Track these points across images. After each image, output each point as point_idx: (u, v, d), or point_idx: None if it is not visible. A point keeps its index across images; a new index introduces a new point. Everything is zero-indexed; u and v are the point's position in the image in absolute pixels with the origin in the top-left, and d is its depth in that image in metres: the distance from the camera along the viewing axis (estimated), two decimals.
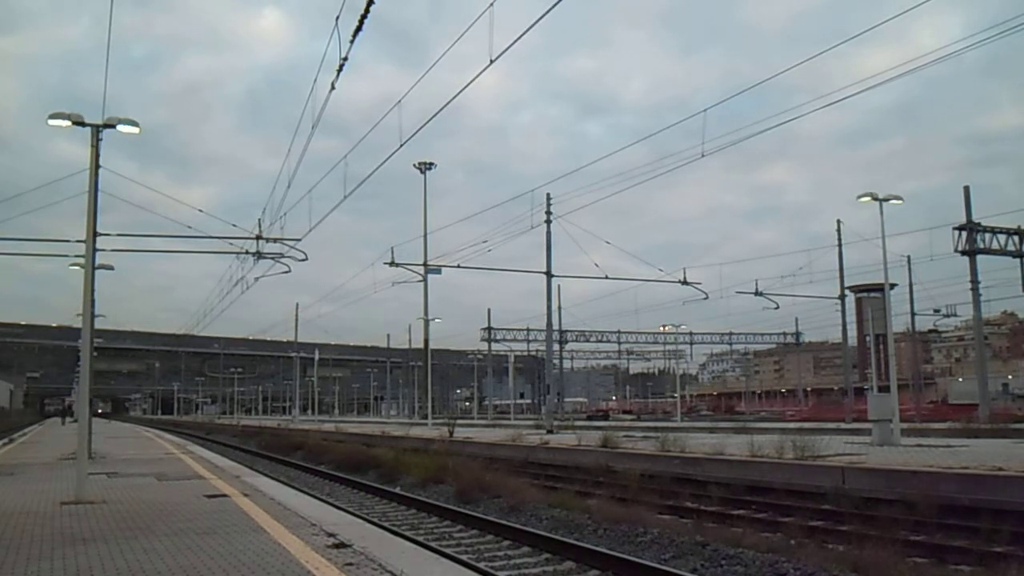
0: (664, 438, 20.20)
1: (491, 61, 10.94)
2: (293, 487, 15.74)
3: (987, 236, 36.31)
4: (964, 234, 35.63)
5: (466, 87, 12.05)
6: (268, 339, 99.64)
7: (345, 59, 10.64)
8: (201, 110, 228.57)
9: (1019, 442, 20.42)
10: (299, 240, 18.90)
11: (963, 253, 35.82)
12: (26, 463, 19.16)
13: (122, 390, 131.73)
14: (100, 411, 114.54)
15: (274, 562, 6.65)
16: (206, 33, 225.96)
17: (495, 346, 72.37)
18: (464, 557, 9.64)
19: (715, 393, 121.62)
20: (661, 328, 67.34)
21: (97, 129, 12.27)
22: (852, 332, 53.34)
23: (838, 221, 41.97)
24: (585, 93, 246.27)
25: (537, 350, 78.76)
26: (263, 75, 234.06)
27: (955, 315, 53.44)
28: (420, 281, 43.67)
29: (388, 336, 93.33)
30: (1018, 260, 37.41)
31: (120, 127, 12.41)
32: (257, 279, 26.80)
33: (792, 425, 33.60)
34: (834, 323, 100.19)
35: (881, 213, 22.27)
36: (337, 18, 9.90)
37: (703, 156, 21.21)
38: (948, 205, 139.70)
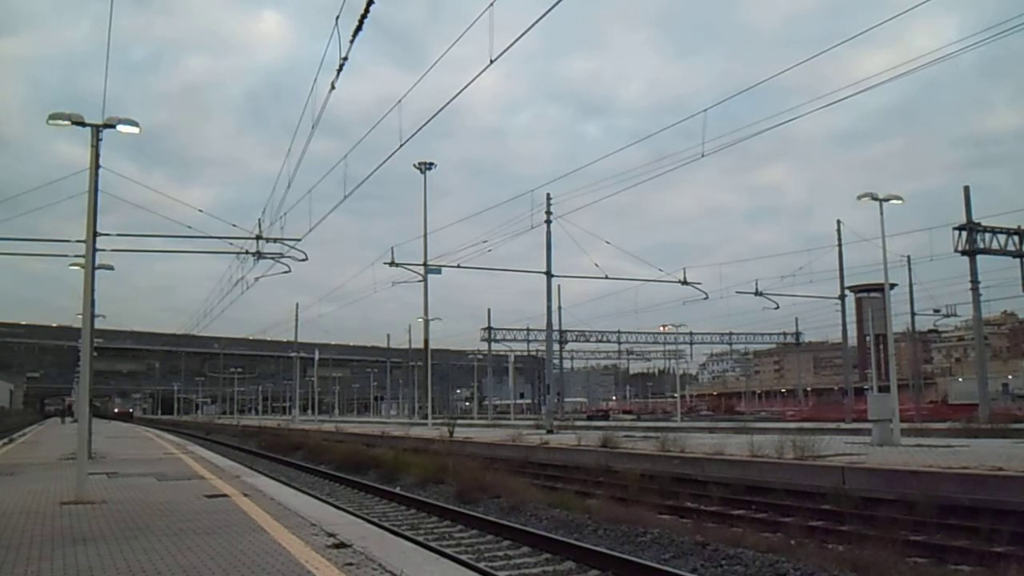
0: (664, 438, 20.20)
1: (491, 61, 10.97)
2: (293, 487, 15.73)
3: (987, 236, 36.28)
4: (964, 234, 35.60)
5: (466, 87, 12.09)
6: (268, 339, 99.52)
7: (345, 59, 10.67)
8: (201, 111, 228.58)
9: (1019, 442, 20.42)
10: (299, 240, 18.95)
11: (963, 253, 35.79)
12: (26, 463, 19.16)
13: (122, 390, 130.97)
14: (116, 411, 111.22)
15: (274, 562, 6.65)
16: (206, 35, 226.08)
17: (495, 346, 72.39)
18: (464, 557, 9.64)
19: (715, 393, 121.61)
20: (661, 328, 67.30)
21: (97, 129, 12.28)
22: (852, 332, 53.45)
23: (838, 221, 41.98)
24: (583, 94, 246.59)
25: (537, 350, 78.66)
26: (263, 76, 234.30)
27: (955, 315, 53.48)
28: (420, 281, 43.71)
29: (388, 336, 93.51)
30: (1018, 260, 37.38)
31: (120, 127, 12.42)
32: (257, 279, 26.89)
33: (792, 425, 33.60)
34: (834, 323, 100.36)
35: (881, 213, 22.28)
36: (337, 18, 9.93)
37: (703, 156, 21.24)
38: (946, 206, 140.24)
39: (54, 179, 17.71)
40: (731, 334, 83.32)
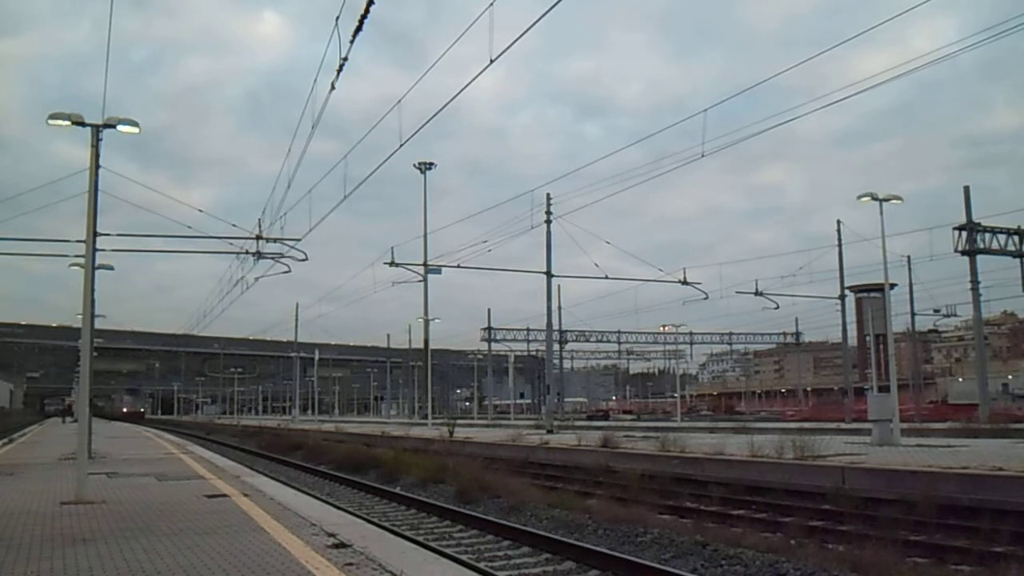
0: (664, 438, 20.22)
1: (491, 61, 10.96)
2: (293, 487, 15.73)
3: (987, 236, 36.29)
4: (964, 234, 35.62)
5: (466, 87, 12.07)
6: (268, 339, 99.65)
7: (345, 59, 10.66)
8: (201, 112, 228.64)
9: (1019, 442, 20.42)
10: (299, 240, 18.91)
11: (963, 253, 35.80)
12: (26, 463, 19.16)
13: (131, 388, 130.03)
14: (124, 410, 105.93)
15: (274, 562, 6.65)
16: (206, 35, 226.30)
17: (495, 346, 72.37)
18: (464, 557, 9.63)
19: (715, 393, 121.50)
20: (661, 328, 67.31)
21: (97, 129, 12.26)
22: (852, 332, 53.51)
23: (838, 221, 42.00)
24: (583, 94, 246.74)
25: (537, 350, 78.70)
26: (263, 77, 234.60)
27: (955, 315, 53.51)
28: (420, 281, 43.77)
29: (388, 336, 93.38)
30: (1018, 260, 37.39)
31: (120, 127, 12.40)
32: (257, 279, 26.84)
33: (792, 425, 33.60)
34: (834, 323, 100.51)
35: (881, 213, 22.32)
36: (337, 18, 9.92)
37: (703, 156, 21.23)
38: (945, 206, 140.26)
39: (54, 179, 17.68)
40: (731, 334, 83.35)
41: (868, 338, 34.87)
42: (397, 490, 17.86)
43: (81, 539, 7.92)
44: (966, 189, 36.43)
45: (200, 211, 17.38)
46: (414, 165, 53.16)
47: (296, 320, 67.69)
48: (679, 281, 37.42)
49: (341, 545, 7.42)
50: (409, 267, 39.52)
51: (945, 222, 36.40)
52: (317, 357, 79.01)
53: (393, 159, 15.82)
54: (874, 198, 22.27)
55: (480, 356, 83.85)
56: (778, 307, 48.32)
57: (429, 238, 49.97)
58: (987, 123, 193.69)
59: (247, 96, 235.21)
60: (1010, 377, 71.59)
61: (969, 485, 11.48)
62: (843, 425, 34.69)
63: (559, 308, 53.09)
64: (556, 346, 61.65)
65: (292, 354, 72.75)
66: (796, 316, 68.84)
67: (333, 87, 11.83)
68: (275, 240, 18.72)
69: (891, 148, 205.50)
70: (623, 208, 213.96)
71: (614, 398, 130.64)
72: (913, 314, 49.68)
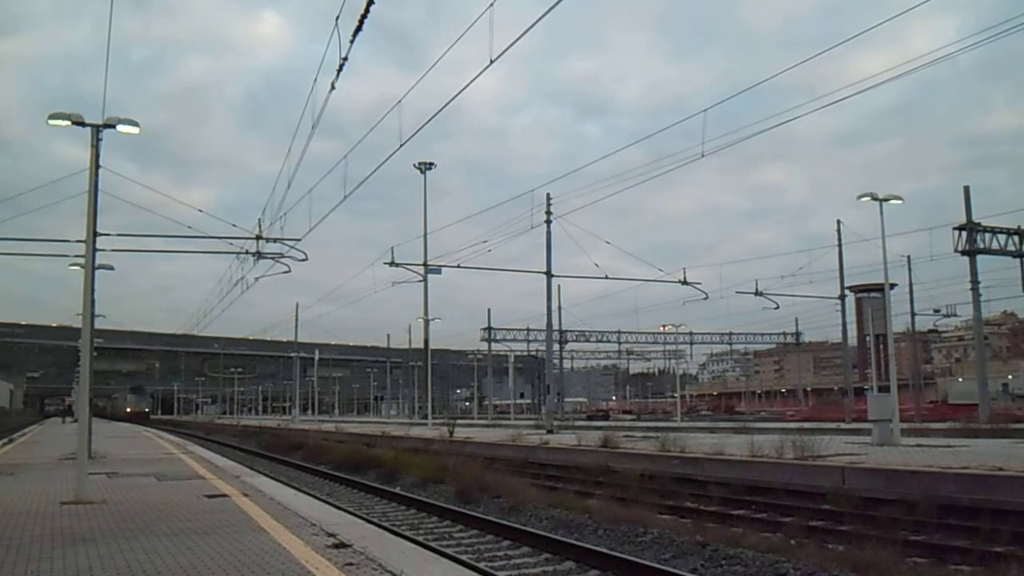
0: (664, 438, 20.21)
1: (491, 61, 10.97)
2: (293, 487, 15.73)
3: (987, 236, 36.26)
4: (964, 234, 35.59)
5: (466, 87, 12.08)
6: (268, 339, 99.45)
7: (345, 59, 10.66)
8: (201, 112, 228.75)
9: (1019, 442, 20.43)
10: (299, 240, 18.92)
11: (963, 253, 35.78)
12: (26, 463, 19.16)
13: (136, 386, 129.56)
14: (128, 410, 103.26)
15: (274, 562, 6.65)
16: (206, 35, 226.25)
17: (495, 346, 72.36)
18: (464, 557, 9.63)
19: (715, 393, 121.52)
20: (661, 328, 67.33)
21: (97, 129, 12.28)
22: (852, 332, 53.44)
23: (838, 221, 41.98)
24: (583, 94, 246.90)
25: (537, 350, 78.69)
26: (263, 77, 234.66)
27: (955, 315, 53.52)
28: (420, 281, 43.73)
29: (388, 336, 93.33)
30: (1018, 260, 37.36)
31: (120, 127, 12.42)
32: (257, 279, 26.82)
33: (792, 425, 33.58)
34: (834, 323, 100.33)
35: (881, 213, 22.34)
36: (337, 18, 9.92)
37: (703, 156, 21.21)
38: (945, 206, 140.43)
39: (54, 179, 17.69)
40: (731, 334, 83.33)
41: (868, 338, 34.86)
42: (397, 490, 17.86)
43: (81, 539, 7.92)
44: (966, 189, 36.43)
45: (200, 211, 17.42)
46: (414, 165, 53.18)
47: (296, 320, 67.75)
48: (679, 281, 37.46)
49: (341, 545, 7.42)
50: (409, 267, 39.57)
51: (945, 222, 36.44)
52: (317, 357, 79.00)
53: (393, 159, 15.84)
54: (874, 198, 22.28)
55: (480, 356, 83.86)
56: (778, 307, 48.39)
57: (429, 238, 49.97)
58: (987, 123, 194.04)
59: (247, 96, 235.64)
60: (1010, 377, 71.55)
61: (969, 485, 11.48)
62: (843, 425, 34.68)
63: (559, 308, 53.14)
64: (556, 346, 61.65)
65: (292, 354, 72.74)
66: (796, 316, 68.94)
67: (333, 87, 11.84)
68: (275, 240, 18.74)
69: (891, 148, 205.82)
70: (623, 208, 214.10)
71: (614, 398, 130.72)
72: (913, 314, 49.73)
